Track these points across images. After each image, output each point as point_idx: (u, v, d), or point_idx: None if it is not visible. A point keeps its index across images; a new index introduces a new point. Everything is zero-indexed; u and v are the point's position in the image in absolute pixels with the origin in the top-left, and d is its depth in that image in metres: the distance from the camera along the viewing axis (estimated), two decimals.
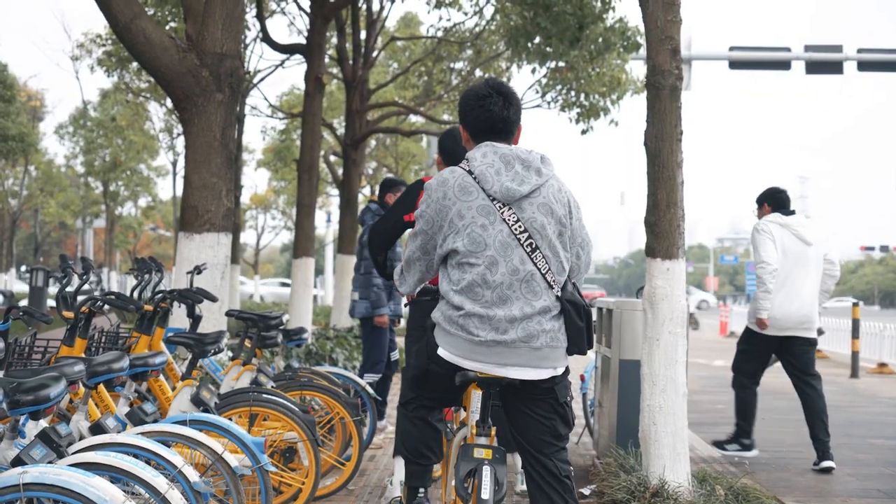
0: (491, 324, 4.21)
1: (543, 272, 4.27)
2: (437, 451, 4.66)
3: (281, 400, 6.17)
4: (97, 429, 4.84)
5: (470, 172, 4.33)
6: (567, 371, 4.43)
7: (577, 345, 4.33)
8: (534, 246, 4.26)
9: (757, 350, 9.06)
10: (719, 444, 9.18)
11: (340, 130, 24.40)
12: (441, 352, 4.34)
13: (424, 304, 5.94)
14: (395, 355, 9.63)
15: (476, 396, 4.49)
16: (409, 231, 4.61)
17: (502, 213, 4.26)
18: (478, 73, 20.86)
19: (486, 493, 4.09)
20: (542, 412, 4.39)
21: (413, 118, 26.18)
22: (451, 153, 6.04)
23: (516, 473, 7.24)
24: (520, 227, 4.25)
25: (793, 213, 8.89)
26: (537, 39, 15.90)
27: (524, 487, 6.98)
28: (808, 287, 8.76)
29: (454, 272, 4.32)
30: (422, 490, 4.64)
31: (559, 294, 4.31)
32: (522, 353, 4.23)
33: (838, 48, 24.34)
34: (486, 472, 4.15)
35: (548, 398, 4.38)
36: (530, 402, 4.37)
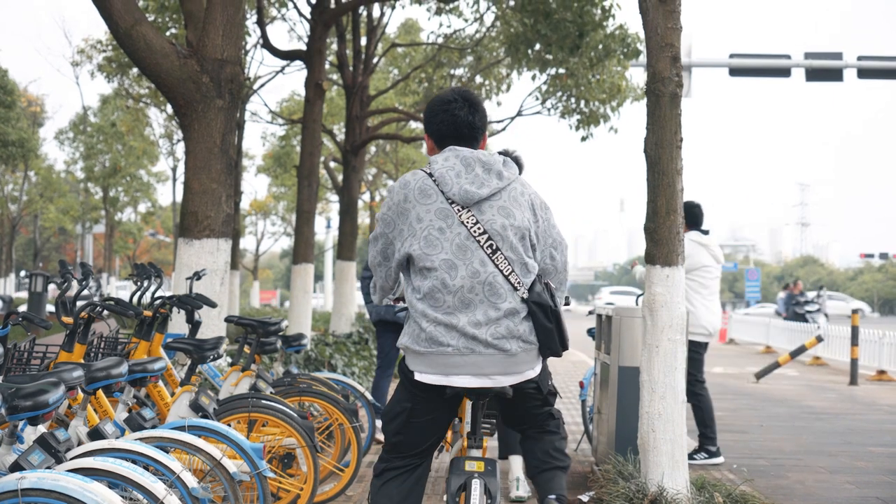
0: (456, 330, 4.16)
1: (506, 274, 4.22)
2: (432, 448, 4.48)
3: (280, 406, 6.17)
4: (96, 434, 4.85)
5: (430, 175, 4.31)
6: (545, 366, 4.47)
7: (549, 346, 4.29)
8: (494, 248, 4.21)
9: (701, 357, 9.26)
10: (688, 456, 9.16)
11: (340, 136, 24.44)
12: (419, 376, 4.24)
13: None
14: None
15: (468, 407, 4.45)
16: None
17: (461, 216, 4.22)
18: (478, 79, 20.88)
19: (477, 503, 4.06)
20: (533, 407, 4.51)
21: (413, 124, 26.17)
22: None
23: (511, 481, 7.26)
24: (479, 228, 4.21)
25: (707, 232, 9.28)
26: (537, 46, 15.94)
27: (519, 493, 7.09)
28: (717, 300, 9.32)
29: (416, 279, 4.26)
30: None
31: (525, 296, 4.25)
32: (498, 361, 4.20)
33: (838, 55, 24.37)
34: (476, 485, 4.11)
35: (535, 394, 4.45)
36: (519, 403, 4.45)
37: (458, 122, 4.42)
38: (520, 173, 4.53)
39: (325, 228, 46.38)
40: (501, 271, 4.22)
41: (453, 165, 4.29)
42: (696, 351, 9.02)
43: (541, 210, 4.42)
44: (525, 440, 4.63)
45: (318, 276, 51.55)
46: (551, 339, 4.28)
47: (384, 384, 9.53)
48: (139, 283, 7.71)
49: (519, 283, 4.24)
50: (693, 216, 9.17)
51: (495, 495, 4.15)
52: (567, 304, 4.92)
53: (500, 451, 7.53)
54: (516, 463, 7.28)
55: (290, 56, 18.60)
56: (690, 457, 8.98)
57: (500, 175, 4.31)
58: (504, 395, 4.26)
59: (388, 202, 4.37)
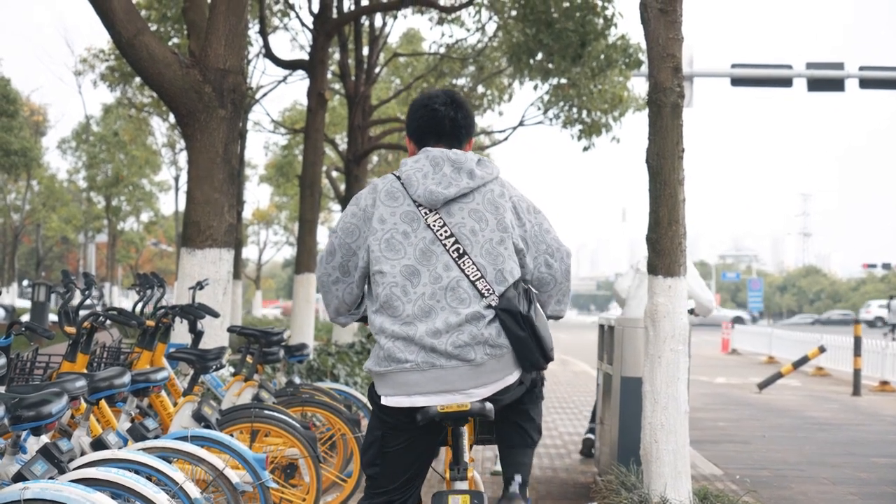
0: (414, 342, 3.79)
1: (473, 279, 3.85)
2: (413, 480, 4.06)
3: (282, 416, 6.17)
4: (98, 444, 4.84)
5: (398, 178, 4.00)
6: (529, 378, 4.10)
7: (528, 358, 3.90)
8: (461, 251, 3.87)
9: None
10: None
11: (343, 146, 24.45)
12: (385, 400, 3.88)
13: None
14: None
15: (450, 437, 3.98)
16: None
17: (427, 219, 3.90)
18: (480, 89, 20.90)
19: None
20: (517, 414, 4.23)
21: None
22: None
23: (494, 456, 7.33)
24: (446, 231, 3.89)
25: None
26: (539, 56, 15.98)
27: (498, 468, 7.11)
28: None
29: (375, 288, 3.92)
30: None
31: (493, 303, 3.85)
32: (463, 374, 3.81)
33: (840, 66, 24.40)
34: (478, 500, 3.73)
35: (520, 408, 4.18)
36: (506, 413, 4.13)
37: (438, 116, 4.13)
38: None
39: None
40: (468, 276, 3.86)
41: (422, 167, 3.98)
42: None
43: (528, 214, 4.07)
44: (502, 448, 4.30)
45: None
46: (527, 350, 3.88)
47: None
48: (142, 293, 7.71)
49: (488, 290, 3.86)
50: None
51: None
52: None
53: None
54: None
55: (292, 66, 18.66)
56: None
57: (472, 174, 3.98)
58: (485, 416, 3.82)
59: (351, 209, 4.06)
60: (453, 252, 3.87)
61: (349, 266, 4.04)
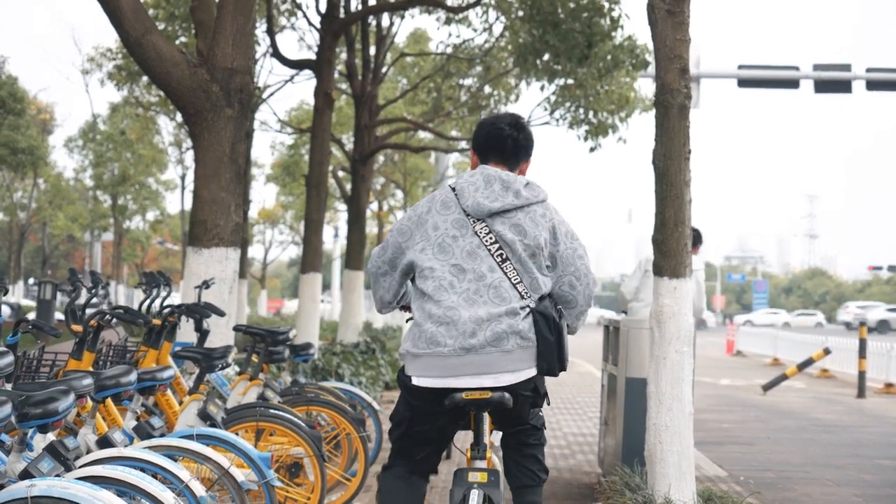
0: (457, 328, 4.21)
1: (514, 282, 4.31)
2: (436, 452, 4.54)
3: (287, 415, 6.18)
4: (104, 442, 4.86)
5: (454, 190, 4.46)
6: (537, 379, 4.40)
7: (547, 360, 4.30)
8: (504, 257, 4.33)
9: None
10: None
11: (349, 146, 24.44)
12: (416, 381, 4.29)
13: None
14: None
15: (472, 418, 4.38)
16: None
17: (475, 227, 4.36)
18: (487, 89, 20.90)
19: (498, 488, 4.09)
20: (526, 413, 4.50)
21: (422, 134, 26.21)
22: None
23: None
24: (491, 238, 4.35)
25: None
26: (546, 57, 15.96)
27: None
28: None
29: (422, 282, 4.37)
30: (404, 462, 4.51)
31: (531, 305, 4.31)
32: (494, 359, 4.22)
33: (847, 67, 24.36)
34: (475, 496, 4.09)
35: (530, 399, 4.43)
36: (514, 408, 4.36)
37: (502, 134, 4.56)
38: None
39: (333, 238, 46.43)
40: (509, 278, 4.31)
41: (475, 181, 4.44)
42: None
43: (566, 237, 4.48)
44: (507, 448, 4.61)
45: (326, 286, 51.57)
46: (550, 353, 4.29)
47: None
48: (148, 292, 7.73)
49: (526, 293, 4.31)
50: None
51: (498, 486, 4.17)
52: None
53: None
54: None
55: (299, 65, 18.67)
56: None
57: (518, 194, 4.40)
58: (503, 405, 4.22)
59: (408, 214, 4.52)
60: (497, 257, 4.34)
61: (397, 262, 4.50)
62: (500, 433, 4.64)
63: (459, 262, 4.31)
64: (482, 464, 4.24)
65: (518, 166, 4.61)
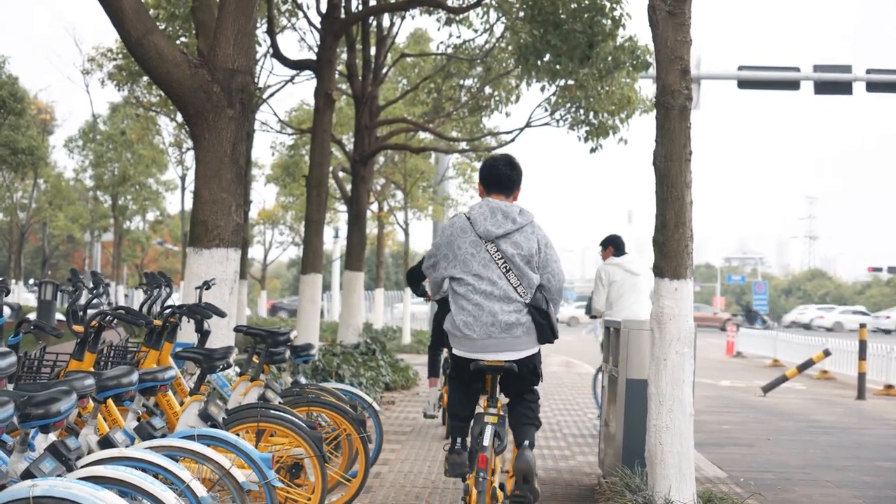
0: (480, 321, 5.98)
1: (515, 286, 6.04)
2: (470, 415, 6.16)
3: (288, 416, 6.19)
4: (106, 443, 4.86)
5: (468, 218, 6.15)
6: (539, 351, 6.17)
7: (544, 336, 6.08)
8: (507, 268, 6.05)
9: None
10: None
11: (349, 146, 24.43)
12: (455, 351, 6.15)
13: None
14: None
15: (489, 380, 6.12)
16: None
17: (486, 246, 6.07)
18: (487, 90, 20.88)
19: (486, 441, 5.75)
20: (527, 375, 6.16)
21: (422, 135, 26.17)
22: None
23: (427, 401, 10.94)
24: (498, 255, 6.06)
25: (625, 253, 11.50)
26: (547, 57, 15.95)
27: (432, 412, 10.98)
28: (639, 302, 11.08)
29: (456, 286, 6.12)
30: (459, 440, 6.06)
31: (528, 301, 6.05)
32: (507, 342, 6.00)
33: (847, 68, 24.37)
34: (489, 430, 5.79)
35: (530, 372, 6.14)
36: (518, 377, 6.11)
37: (500, 172, 6.27)
38: None
39: (334, 238, 46.39)
40: (513, 285, 6.04)
41: (483, 212, 6.14)
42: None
43: (545, 247, 6.17)
44: (512, 403, 6.28)
45: (326, 287, 51.58)
46: (544, 332, 6.07)
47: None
48: (149, 293, 7.73)
49: (524, 293, 6.06)
50: (616, 245, 11.56)
51: (503, 438, 5.84)
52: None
53: (428, 371, 11.48)
54: (434, 386, 11.27)
55: (299, 66, 18.65)
56: None
57: (514, 220, 6.10)
58: (511, 371, 6.00)
59: (440, 234, 6.31)
60: (502, 268, 6.06)
61: (437, 266, 6.26)
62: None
63: (478, 272, 6.04)
64: (493, 410, 5.95)
65: (513, 193, 6.28)
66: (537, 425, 6.26)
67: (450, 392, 6.46)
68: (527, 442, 6.04)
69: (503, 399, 6.35)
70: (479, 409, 6.11)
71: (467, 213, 6.19)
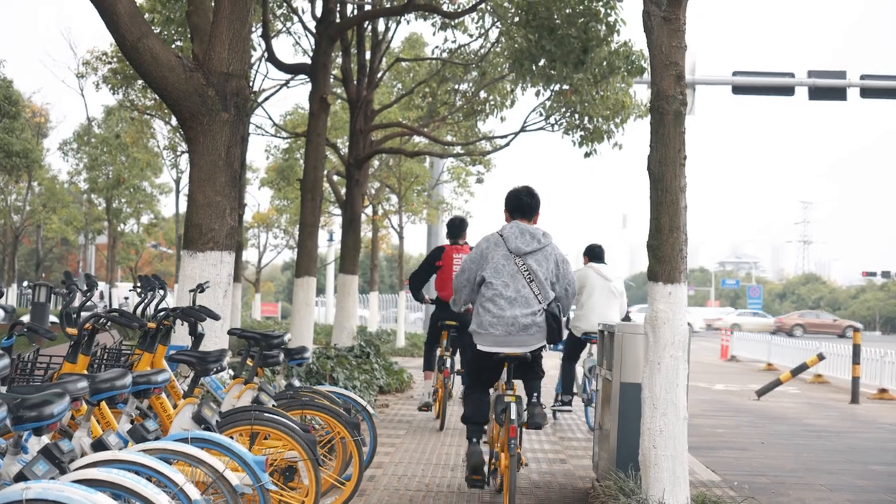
0: (503, 321, 7.41)
1: (535, 294, 7.48)
2: (486, 418, 7.74)
3: (282, 419, 6.18)
4: (99, 445, 4.86)
5: (501, 236, 7.60)
6: (545, 345, 7.65)
7: (553, 335, 7.52)
8: (530, 279, 7.49)
9: (574, 345, 12.71)
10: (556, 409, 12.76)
11: (344, 150, 24.39)
12: (479, 346, 7.56)
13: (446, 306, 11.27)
14: None
15: (506, 369, 7.54)
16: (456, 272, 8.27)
17: (514, 260, 7.52)
18: (482, 94, 20.88)
19: (513, 415, 7.00)
20: (536, 367, 7.74)
21: (417, 139, 26.17)
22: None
23: (424, 392, 12.23)
24: (525, 268, 7.51)
25: (603, 262, 12.84)
26: (542, 62, 15.96)
27: (427, 400, 12.11)
28: (608, 305, 12.36)
29: (485, 290, 7.55)
30: (475, 439, 7.57)
31: (545, 307, 7.48)
32: (523, 338, 7.46)
33: (842, 74, 24.40)
34: (512, 406, 7.05)
35: (537, 359, 7.71)
36: (529, 364, 7.64)
37: (522, 202, 7.77)
38: (466, 228, 12.17)
39: (328, 242, 46.35)
40: (533, 292, 7.48)
41: (514, 232, 7.60)
42: (578, 341, 12.60)
43: (562, 264, 7.65)
44: (524, 379, 7.73)
45: (320, 290, 51.51)
46: (554, 332, 7.49)
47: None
48: (143, 295, 7.73)
49: (542, 300, 7.48)
50: (594, 253, 12.85)
51: (521, 414, 7.14)
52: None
53: (424, 365, 12.60)
54: (429, 380, 12.42)
55: (294, 70, 18.64)
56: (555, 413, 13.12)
57: (539, 241, 7.58)
58: (525, 359, 7.50)
59: (476, 249, 7.74)
60: (527, 279, 7.49)
61: (473, 279, 7.68)
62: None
63: (507, 281, 7.47)
64: (511, 392, 7.28)
65: (533, 217, 7.78)
66: (540, 376, 7.82)
67: (464, 403, 8.04)
68: (535, 394, 7.69)
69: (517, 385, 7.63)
70: (498, 393, 7.63)
71: (500, 232, 7.66)
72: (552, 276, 7.54)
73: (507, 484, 6.95)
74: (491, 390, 8.00)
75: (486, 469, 7.69)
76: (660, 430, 6.60)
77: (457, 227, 12.32)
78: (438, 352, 12.34)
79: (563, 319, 7.58)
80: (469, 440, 7.65)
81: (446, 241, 12.51)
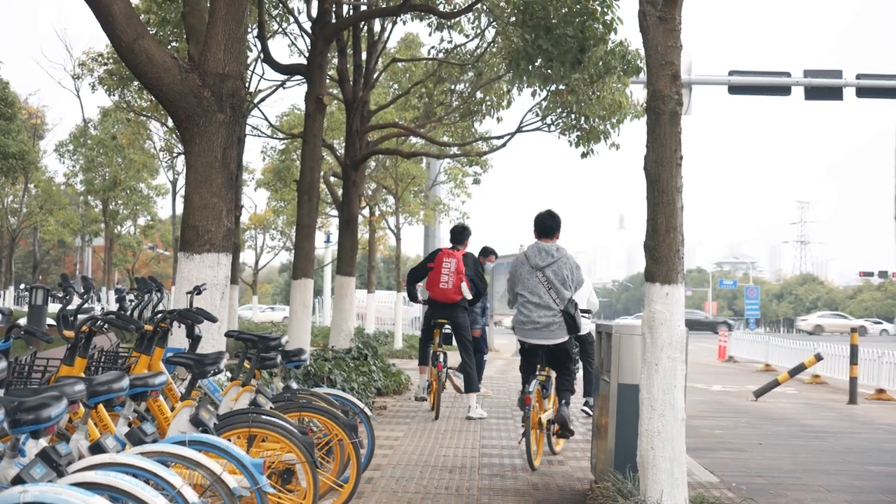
0: (531, 320, 9.69)
1: (553, 299, 9.68)
2: (532, 372, 9.86)
3: (279, 421, 6.17)
4: (97, 448, 4.85)
5: (525, 255, 9.82)
6: (570, 339, 9.80)
7: (571, 329, 9.70)
8: (549, 287, 9.67)
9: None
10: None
11: (340, 151, 24.39)
12: (518, 338, 9.92)
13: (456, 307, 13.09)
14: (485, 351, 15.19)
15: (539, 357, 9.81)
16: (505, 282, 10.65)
17: (535, 273, 9.71)
18: (478, 94, 20.86)
19: (531, 388, 9.40)
20: (562, 354, 9.87)
21: (413, 140, 26.16)
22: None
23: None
24: (543, 278, 9.67)
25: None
26: (538, 62, 15.94)
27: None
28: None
29: (520, 297, 9.80)
30: (525, 385, 9.70)
31: (562, 309, 9.66)
32: (545, 333, 9.66)
33: (838, 73, 24.41)
34: (534, 382, 9.54)
35: (563, 350, 9.84)
36: (558, 353, 9.83)
37: (545, 223, 9.87)
38: (468, 236, 13.38)
39: (325, 243, 46.34)
40: (552, 298, 9.67)
41: (534, 251, 9.79)
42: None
43: (575, 270, 9.82)
44: (559, 375, 9.94)
45: (318, 292, 51.50)
46: (570, 327, 9.66)
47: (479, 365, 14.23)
48: (140, 297, 7.72)
49: (559, 303, 9.67)
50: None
51: (549, 389, 9.81)
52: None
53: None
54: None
55: (290, 70, 18.61)
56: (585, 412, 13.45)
57: (553, 255, 9.74)
58: (550, 350, 9.75)
59: (512, 266, 9.99)
60: (546, 287, 9.68)
61: (512, 290, 9.91)
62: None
63: (532, 290, 9.70)
64: (542, 373, 9.79)
65: (554, 235, 9.87)
66: (572, 391, 9.90)
67: (521, 363, 10.13)
68: (563, 401, 9.71)
69: (550, 372, 9.99)
70: (536, 374, 9.78)
71: (525, 252, 9.88)
72: (567, 280, 9.69)
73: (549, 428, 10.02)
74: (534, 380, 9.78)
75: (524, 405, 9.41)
76: (658, 431, 6.60)
77: (458, 234, 13.40)
78: (431, 348, 13.46)
79: (579, 316, 9.69)
80: (523, 388, 9.78)
81: (447, 244, 13.42)
